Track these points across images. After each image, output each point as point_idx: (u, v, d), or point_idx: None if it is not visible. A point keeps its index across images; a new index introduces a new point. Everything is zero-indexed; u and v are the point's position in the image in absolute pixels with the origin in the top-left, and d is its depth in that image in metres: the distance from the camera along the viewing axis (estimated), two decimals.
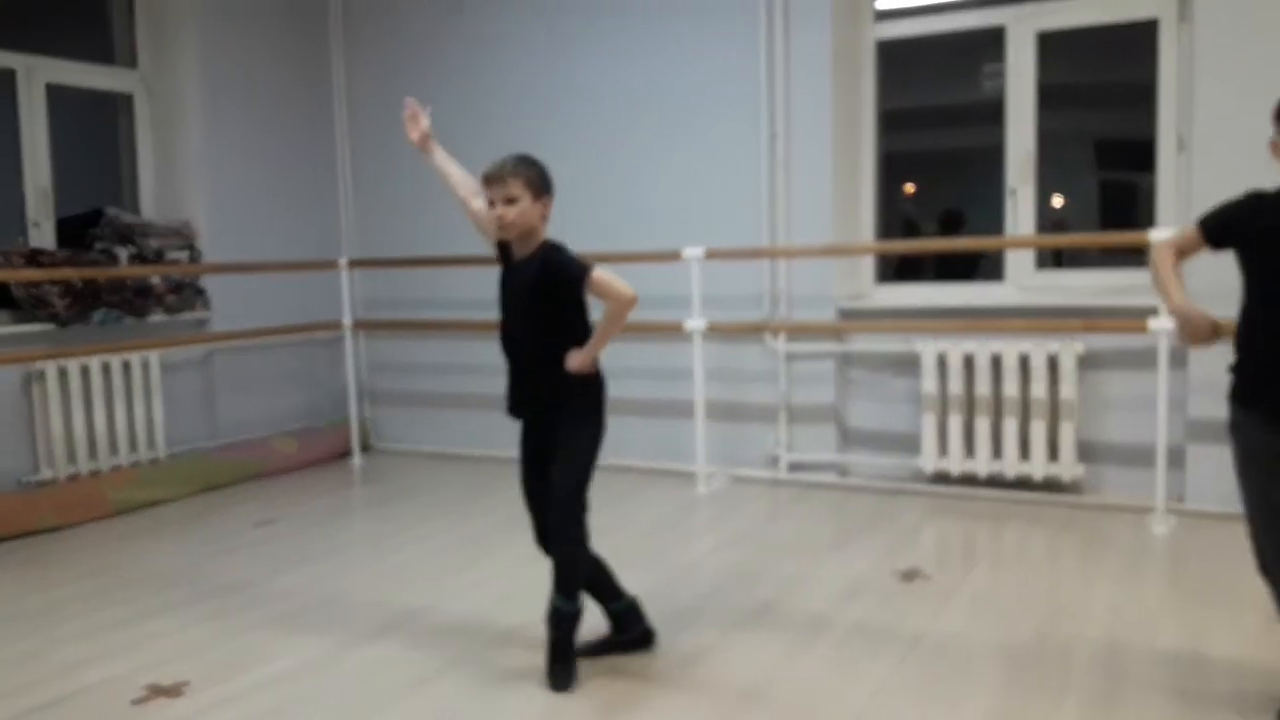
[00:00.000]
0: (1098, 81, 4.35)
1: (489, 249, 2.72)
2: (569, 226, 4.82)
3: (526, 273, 2.55)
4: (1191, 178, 3.76)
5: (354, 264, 5.20)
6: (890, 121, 4.68)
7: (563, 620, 2.52)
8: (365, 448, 5.39)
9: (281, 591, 3.22)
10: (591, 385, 2.59)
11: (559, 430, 2.57)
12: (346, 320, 5.15)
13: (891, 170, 5.01)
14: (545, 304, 2.54)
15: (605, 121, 4.81)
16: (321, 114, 5.45)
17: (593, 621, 2.63)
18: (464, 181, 2.75)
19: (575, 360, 2.50)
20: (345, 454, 5.23)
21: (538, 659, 2.55)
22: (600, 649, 2.65)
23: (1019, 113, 4.22)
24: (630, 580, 3.21)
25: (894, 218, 5.66)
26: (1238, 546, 2.20)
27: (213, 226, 4.91)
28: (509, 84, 5.02)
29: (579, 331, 2.57)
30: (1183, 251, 2.32)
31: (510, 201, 2.49)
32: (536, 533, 2.67)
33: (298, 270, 5.09)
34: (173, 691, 2.51)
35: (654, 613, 2.91)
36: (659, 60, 4.65)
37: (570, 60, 4.86)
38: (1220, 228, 2.24)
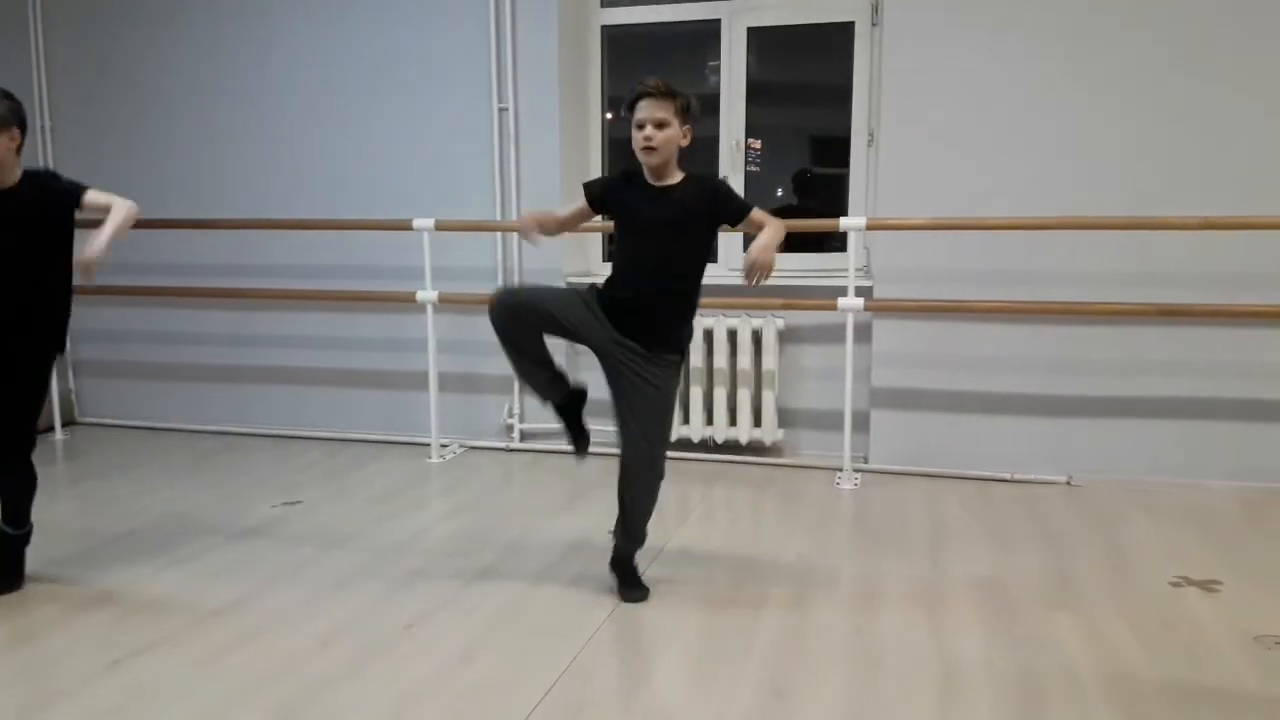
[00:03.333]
0: (814, 81, 4.73)
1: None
2: (302, 193, 4.76)
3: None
4: (879, 170, 4.20)
5: None
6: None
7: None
8: (68, 422, 5.02)
9: None
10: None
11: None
12: None
13: (625, 155, 5.21)
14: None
15: (340, 91, 4.69)
16: (20, 78, 4.95)
17: None
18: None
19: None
20: (47, 429, 4.83)
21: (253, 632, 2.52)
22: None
23: (731, 104, 4.53)
24: (356, 548, 3.25)
25: None
26: (910, 498, 2.55)
27: None
28: (243, 54, 4.79)
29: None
30: (576, 217, 2.84)
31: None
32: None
33: None
34: None
35: (377, 581, 2.97)
36: (392, 31, 4.59)
37: (304, 31, 4.70)
38: (597, 194, 2.73)
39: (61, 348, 2.84)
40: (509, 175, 4.52)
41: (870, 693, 2.27)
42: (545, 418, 4.64)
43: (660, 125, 2.51)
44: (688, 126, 2.57)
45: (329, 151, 4.74)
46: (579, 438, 2.98)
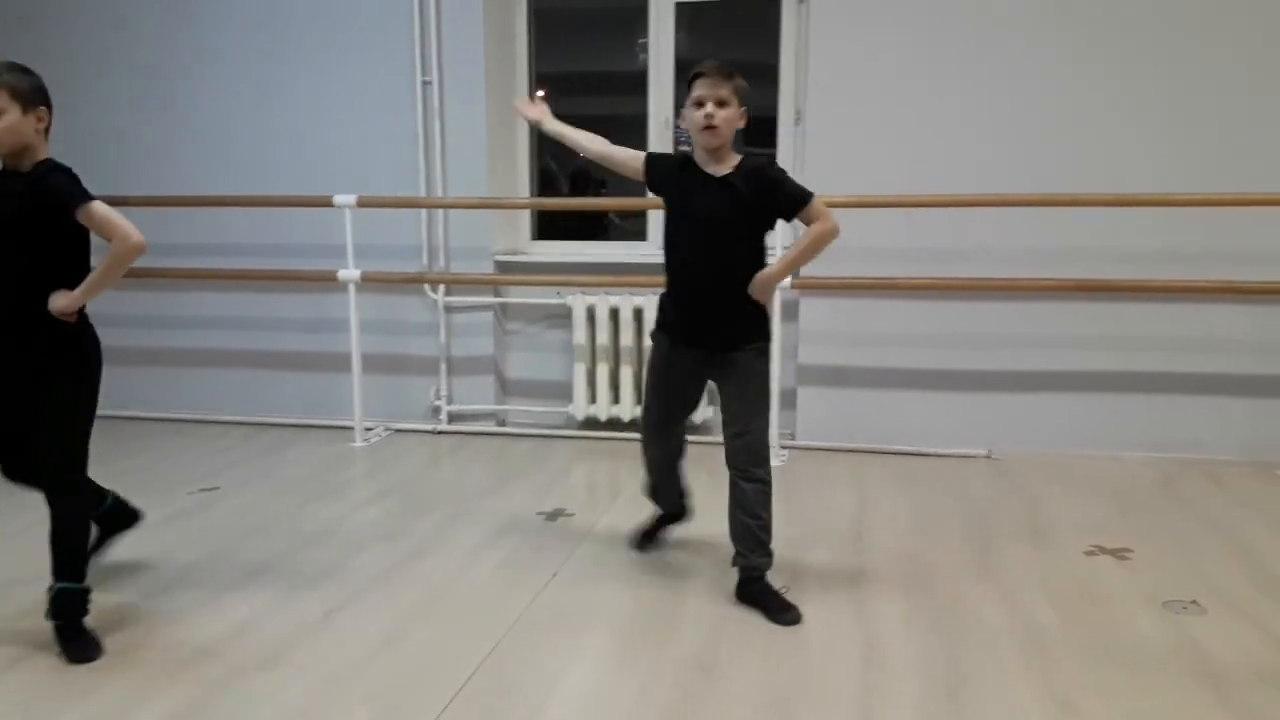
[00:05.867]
0: (745, 59, 4.72)
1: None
2: (217, 169, 4.61)
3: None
4: (805, 148, 4.21)
5: None
6: (561, 85, 4.80)
7: None
8: None
9: None
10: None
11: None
12: None
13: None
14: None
15: (256, 63, 4.55)
16: None
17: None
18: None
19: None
20: None
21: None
22: None
23: (659, 82, 4.50)
24: (275, 534, 3.18)
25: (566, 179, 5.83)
26: (836, 473, 2.58)
27: None
28: (152, 22, 4.60)
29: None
30: (618, 156, 2.72)
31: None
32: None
33: None
34: None
35: (295, 569, 2.91)
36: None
37: None
38: (655, 162, 2.64)
39: (86, 358, 2.38)
40: (434, 150, 4.43)
41: (794, 666, 2.29)
42: (473, 399, 4.61)
43: (721, 104, 2.42)
44: (745, 108, 2.47)
45: (245, 125, 4.60)
46: (647, 541, 3.07)
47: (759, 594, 2.60)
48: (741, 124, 2.48)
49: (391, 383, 4.62)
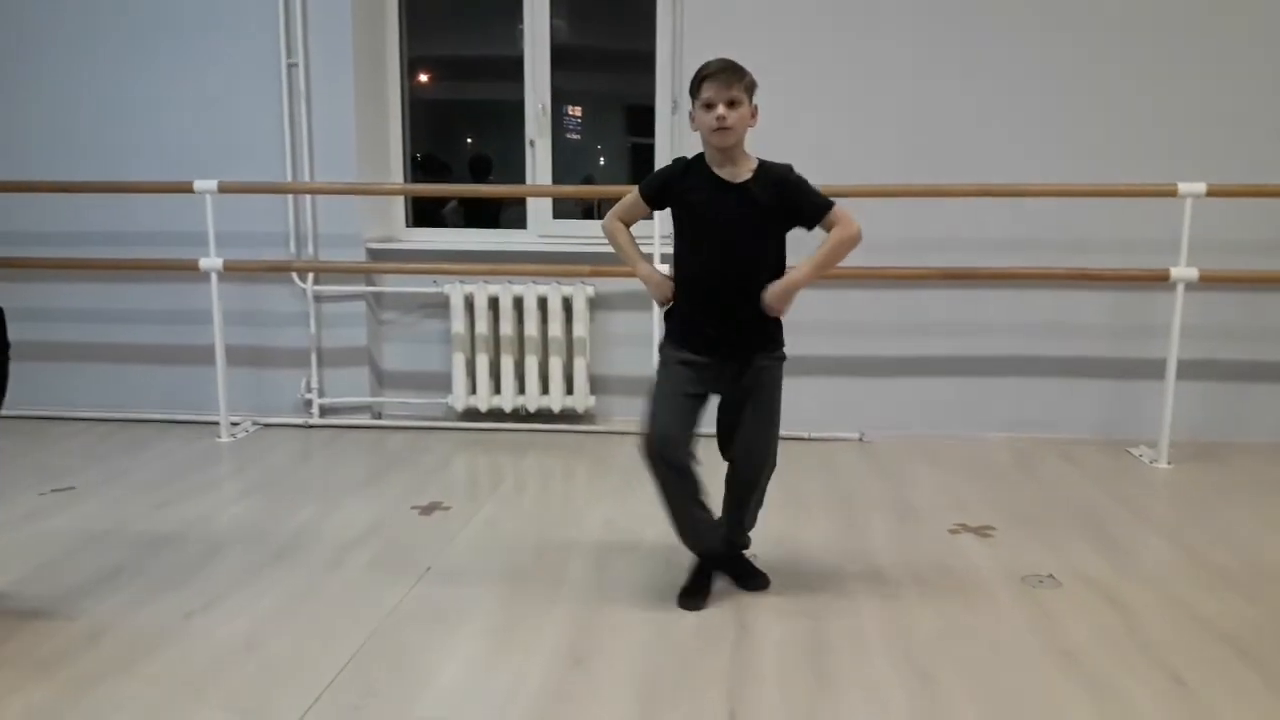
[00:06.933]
0: (627, 47, 4.70)
1: None
2: (69, 153, 4.35)
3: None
4: (683, 139, 4.23)
5: None
6: (439, 69, 4.70)
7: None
8: None
9: None
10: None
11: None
12: None
13: (430, 118, 5.06)
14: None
15: (107, 40, 4.31)
16: None
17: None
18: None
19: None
20: None
21: None
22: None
23: (535, 68, 4.45)
24: (133, 535, 3.03)
25: (455, 164, 5.71)
26: (715, 459, 2.61)
27: None
28: None
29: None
30: (630, 217, 2.58)
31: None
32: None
33: None
34: None
35: (153, 570, 2.78)
36: None
37: None
38: (656, 191, 2.49)
39: None
40: (300, 134, 4.28)
41: (666, 653, 2.30)
42: (346, 392, 4.48)
43: (732, 104, 2.30)
44: (755, 105, 2.37)
45: (98, 107, 4.35)
46: (698, 592, 2.62)
47: (736, 568, 2.69)
48: (754, 122, 2.38)
49: (259, 375, 4.46)
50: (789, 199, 2.39)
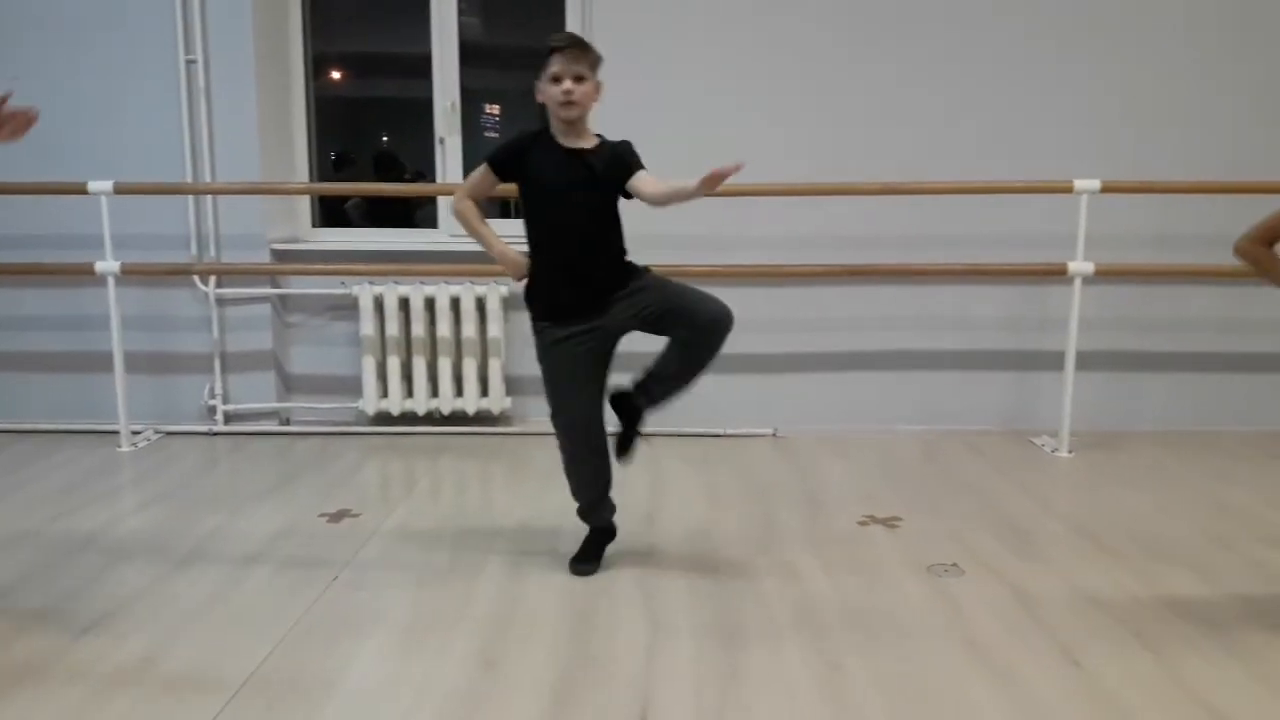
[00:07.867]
0: (536, 44, 4.70)
1: None
2: None
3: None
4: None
5: None
6: (359, 67, 4.60)
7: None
8: None
9: None
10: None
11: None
12: None
13: (335, 117, 4.96)
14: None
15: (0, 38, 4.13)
16: None
17: None
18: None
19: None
20: None
21: None
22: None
23: (443, 64, 4.39)
24: (26, 548, 2.91)
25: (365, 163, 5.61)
26: (640, 458, 2.65)
27: None
28: None
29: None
30: (479, 192, 2.66)
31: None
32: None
33: None
34: None
35: (48, 586, 2.67)
36: None
37: None
38: (507, 160, 2.56)
39: None
40: (200, 133, 4.16)
41: (579, 651, 2.29)
42: (252, 397, 4.36)
43: (579, 79, 2.43)
44: (599, 81, 2.50)
45: None
46: (589, 558, 2.81)
47: (634, 415, 2.65)
48: (597, 98, 2.50)
49: (161, 382, 4.32)
50: (620, 158, 2.50)
